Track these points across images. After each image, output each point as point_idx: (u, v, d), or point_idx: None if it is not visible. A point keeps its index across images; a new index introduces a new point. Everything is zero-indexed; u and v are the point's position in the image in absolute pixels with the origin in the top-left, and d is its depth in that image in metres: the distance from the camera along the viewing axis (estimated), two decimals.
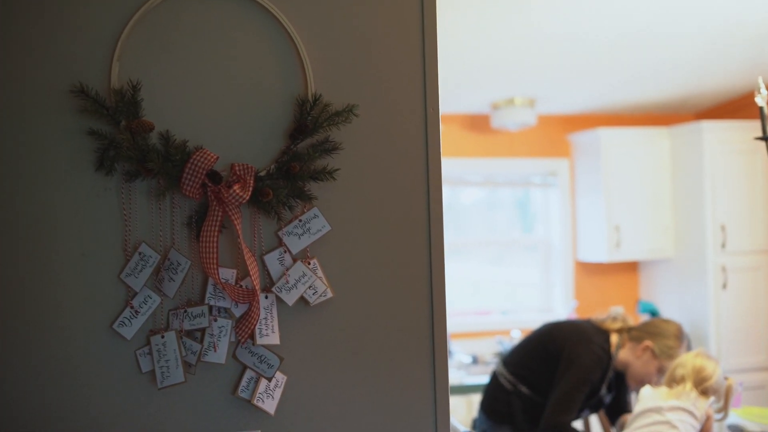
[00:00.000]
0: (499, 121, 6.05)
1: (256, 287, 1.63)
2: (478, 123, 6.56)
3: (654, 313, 6.24)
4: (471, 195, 6.95)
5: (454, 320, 6.33)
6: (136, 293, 1.62)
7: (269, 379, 1.67)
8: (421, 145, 1.78)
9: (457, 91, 5.69)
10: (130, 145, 1.57)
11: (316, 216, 1.70)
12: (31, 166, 1.58)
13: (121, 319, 1.61)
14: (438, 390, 1.79)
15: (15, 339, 1.58)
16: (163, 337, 1.62)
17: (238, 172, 1.63)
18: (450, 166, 6.34)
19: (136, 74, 1.62)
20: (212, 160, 1.60)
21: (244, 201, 1.60)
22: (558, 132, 6.75)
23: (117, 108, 1.58)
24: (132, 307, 1.61)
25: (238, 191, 1.59)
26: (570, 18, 4.05)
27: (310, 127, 1.68)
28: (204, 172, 1.60)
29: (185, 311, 1.64)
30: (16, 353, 1.58)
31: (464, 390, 5.65)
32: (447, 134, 6.17)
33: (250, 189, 1.61)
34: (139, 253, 1.61)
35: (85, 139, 1.59)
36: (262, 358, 1.67)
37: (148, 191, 1.63)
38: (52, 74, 1.59)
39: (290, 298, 1.69)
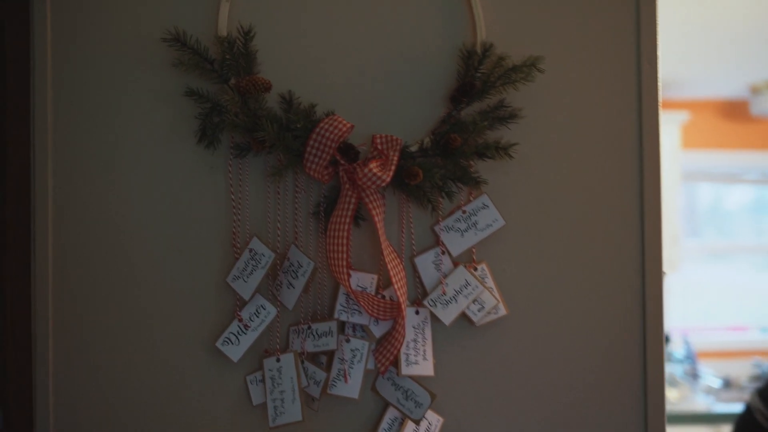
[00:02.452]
0: (761, 106, 5.18)
1: (402, 299, 1.21)
2: (735, 110, 5.74)
3: None
4: (732, 193, 6.10)
5: (703, 336, 5.55)
6: (246, 302, 1.25)
7: (417, 422, 1.25)
8: (633, 115, 1.31)
9: (707, 72, 4.91)
10: (238, 109, 1.20)
11: (485, 206, 1.27)
12: (117, 139, 1.25)
13: (226, 335, 1.25)
14: None
15: (99, 358, 1.25)
16: (278, 360, 1.24)
17: (379, 146, 1.22)
18: (698, 160, 5.58)
19: (250, 18, 1.25)
20: (344, 129, 1.21)
21: (384, 183, 1.19)
22: None
23: (224, 61, 1.22)
24: (240, 321, 1.25)
25: (375, 170, 1.19)
26: None
27: (478, 87, 1.25)
28: (334, 145, 1.20)
29: (309, 328, 1.25)
30: (103, 376, 1.25)
31: (713, 419, 4.91)
32: (697, 124, 5.44)
33: (393, 168, 1.20)
34: (250, 250, 1.24)
35: (184, 102, 1.24)
36: (409, 394, 1.25)
37: (264, 171, 1.25)
38: (145, 20, 1.25)
39: (448, 315, 1.26)
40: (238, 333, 1.24)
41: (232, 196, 1.25)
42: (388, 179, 1.19)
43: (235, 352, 1.24)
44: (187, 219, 1.25)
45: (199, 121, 1.23)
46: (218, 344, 1.24)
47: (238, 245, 1.25)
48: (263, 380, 1.24)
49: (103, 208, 1.25)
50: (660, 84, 1.31)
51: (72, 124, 1.24)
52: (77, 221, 1.24)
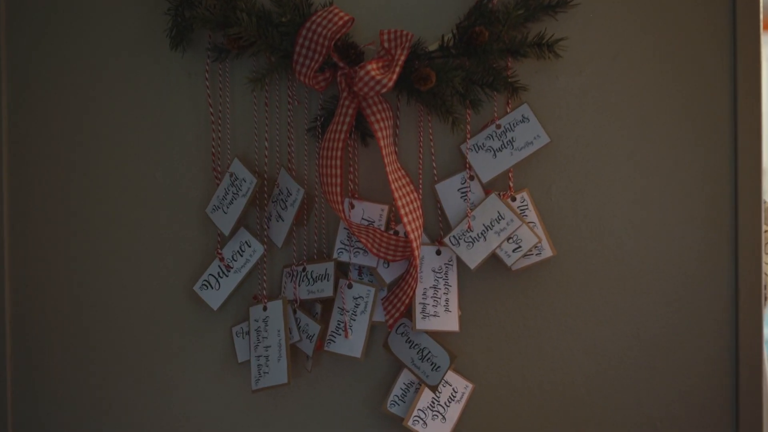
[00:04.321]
0: None
1: (413, 235, 0.97)
2: None
3: None
4: None
5: None
6: (228, 238, 1.03)
7: (434, 389, 1.00)
8: (725, 6, 0.99)
9: None
10: (212, 0, 0.98)
11: (525, 119, 1.00)
12: (79, 45, 1.06)
13: (205, 278, 1.04)
14: None
15: (66, 306, 1.08)
16: (265, 308, 1.02)
17: (386, 44, 0.97)
18: None
19: None
20: (342, 23, 0.96)
21: (385, 89, 0.94)
22: None
23: None
24: (222, 260, 1.03)
25: (373, 73, 0.94)
26: None
27: None
28: (328, 43, 0.96)
29: (304, 270, 1.02)
30: (71, 325, 1.08)
31: None
32: None
33: (397, 69, 0.94)
34: (230, 175, 1.02)
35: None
36: (425, 353, 1.01)
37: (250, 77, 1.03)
38: None
39: (473, 257, 1.00)
40: (219, 275, 1.03)
41: (211, 110, 1.03)
42: (391, 84, 0.93)
43: (216, 297, 1.04)
44: (163, 138, 1.05)
45: (170, 17, 1.02)
46: (196, 288, 1.04)
47: (219, 169, 1.03)
48: (249, 333, 1.03)
49: (69, 126, 1.06)
50: None
51: (27, 30, 1.06)
52: (41, 145, 1.07)
